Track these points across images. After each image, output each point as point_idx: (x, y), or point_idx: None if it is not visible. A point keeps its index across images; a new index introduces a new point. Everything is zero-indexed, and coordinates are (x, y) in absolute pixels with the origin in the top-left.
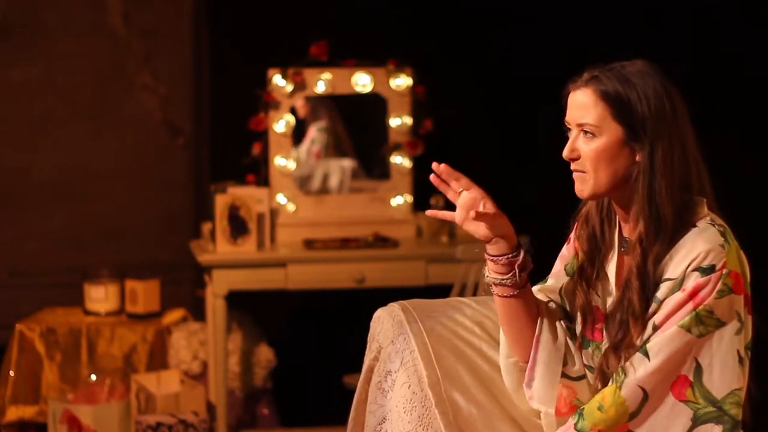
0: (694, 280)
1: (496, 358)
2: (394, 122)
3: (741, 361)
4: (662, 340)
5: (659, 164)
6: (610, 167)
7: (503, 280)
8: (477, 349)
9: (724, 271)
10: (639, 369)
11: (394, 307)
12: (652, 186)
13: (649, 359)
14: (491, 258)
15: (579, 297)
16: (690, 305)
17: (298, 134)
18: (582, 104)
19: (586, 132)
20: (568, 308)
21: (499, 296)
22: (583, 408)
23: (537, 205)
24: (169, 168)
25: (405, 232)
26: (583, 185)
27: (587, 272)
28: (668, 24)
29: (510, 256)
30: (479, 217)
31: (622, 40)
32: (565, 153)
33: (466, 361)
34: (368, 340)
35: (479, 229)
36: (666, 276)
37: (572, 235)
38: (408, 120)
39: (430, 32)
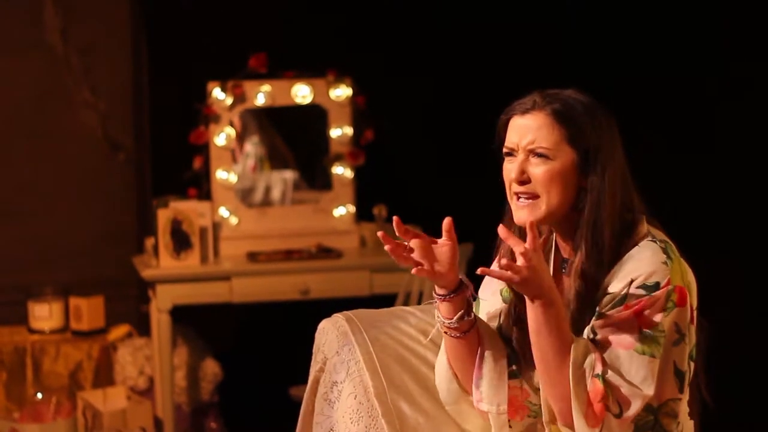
0: (638, 298)
1: None
2: (334, 133)
3: (677, 373)
4: (639, 368)
5: (607, 190)
6: (562, 191)
7: (454, 322)
8: (422, 357)
9: (669, 287)
10: (619, 392)
11: (338, 318)
12: (597, 212)
13: (632, 385)
14: (444, 299)
15: (515, 336)
16: (636, 324)
17: (240, 147)
18: (536, 127)
19: (538, 155)
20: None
21: (452, 337)
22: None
23: (476, 214)
24: (110, 184)
25: (348, 243)
26: (534, 211)
27: (521, 313)
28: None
29: (456, 291)
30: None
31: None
32: (515, 175)
33: (411, 370)
34: (313, 351)
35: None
36: (609, 290)
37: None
38: (348, 130)
39: (369, 42)
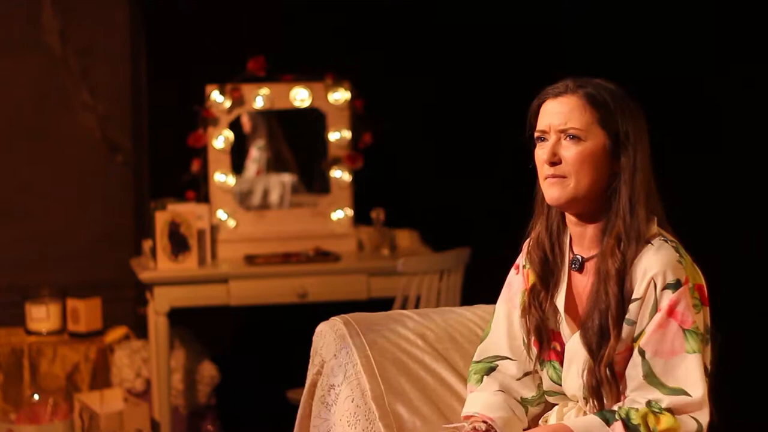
0: (667, 298)
1: (438, 370)
2: (333, 136)
3: (706, 371)
4: (692, 373)
5: (639, 175)
6: (593, 173)
7: None
8: (420, 361)
9: (690, 284)
10: (686, 405)
11: (336, 321)
12: (632, 189)
13: (689, 395)
14: None
15: (533, 320)
16: (674, 324)
17: (238, 150)
18: (568, 109)
19: (570, 137)
20: (524, 339)
21: None
22: (639, 425)
23: (474, 218)
24: (108, 186)
25: (346, 246)
26: (562, 190)
27: (540, 294)
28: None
29: None
30: None
31: (551, 59)
32: (547, 157)
33: (409, 374)
34: (311, 354)
35: None
36: (633, 296)
37: (520, 261)
38: (347, 134)
39: (368, 46)
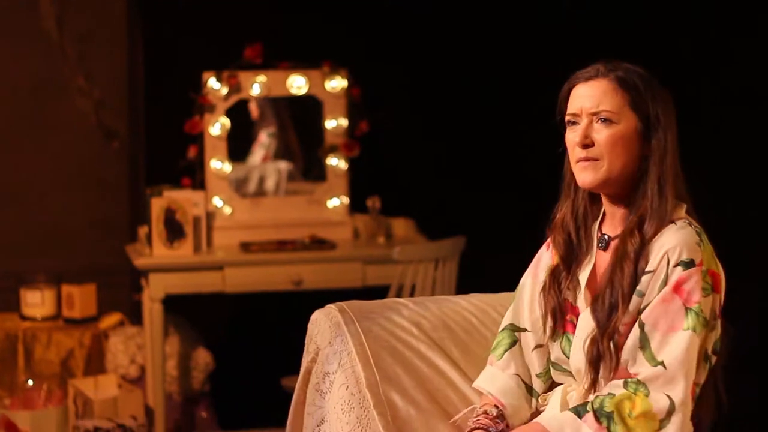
0: (677, 274)
1: (433, 359)
2: (329, 124)
3: (706, 358)
4: (675, 348)
5: (669, 158)
6: (625, 155)
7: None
8: (415, 349)
9: (703, 267)
10: (658, 377)
11: (331, 309)
12: (662, 168)
13: (664, 367)
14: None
15: (551, 300)
16: (678, 301)
17: (242, 135)
18: (601, 92)
19: (602, 119)
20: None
21: None
22: (612, 412)
23: (470, 207)
24: (104, 172)
25: (342, 234)
26: (595, 173)
27: (561, 275)
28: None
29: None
30: None
31: (549, 49)
32: (579, 139)
33: (403, 362)
34: (306, 342)
35: None
36: (647, 268)
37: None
38: (343, 122)
39: (365, 34)
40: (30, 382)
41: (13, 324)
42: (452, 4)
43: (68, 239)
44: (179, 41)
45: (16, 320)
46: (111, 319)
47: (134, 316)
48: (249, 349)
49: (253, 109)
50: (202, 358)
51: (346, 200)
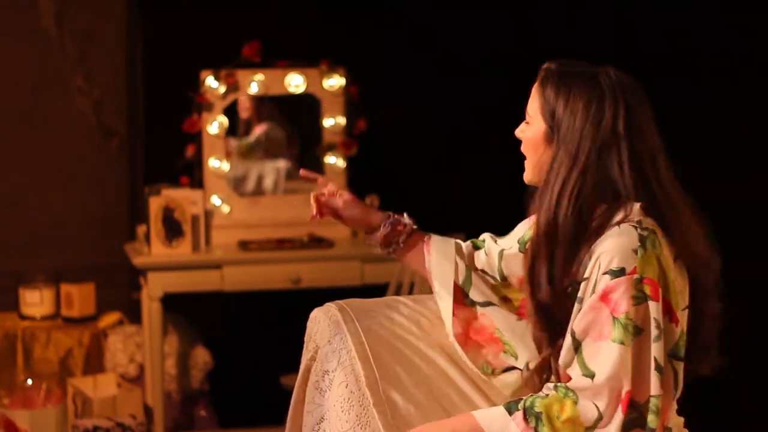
0: (604, 283)
1: (433, 357)
2: (327, 122)
3: (658, 368)
4: (605, 362)
5: (556, 168)
6: (534, 158)
7: (390, 253)
8: (414, 347)
9: (636, 276)
10: (586, 388)
11: (330, 307)
12: (552, 186)
13: (592, 379)
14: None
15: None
16: (606, 309)
17: (233, 135)
18: (533, 91)
19: (525, 119)
20: (505, 272)
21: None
22: (541, 413)
23: (467, 204)
24: (103, 170)
25: (340, 233)
26: (526, 170)
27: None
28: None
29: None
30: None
31: (548, 47)
32: (516, 132)
33: (403, 360)
34: (305, 340)
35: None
36: (584, 275)
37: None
38: (341, 120)
39: (363, 32)
40: (29, 382)
41: (12, 323)
42: (451, 3)
43: (67, 238)
44: (178, 40)
45: (15, 319)
46: (110, 318)
47: (133, 314)
48: (248, 347)
49: (243, 109)
50: (201, 356)
51: None
